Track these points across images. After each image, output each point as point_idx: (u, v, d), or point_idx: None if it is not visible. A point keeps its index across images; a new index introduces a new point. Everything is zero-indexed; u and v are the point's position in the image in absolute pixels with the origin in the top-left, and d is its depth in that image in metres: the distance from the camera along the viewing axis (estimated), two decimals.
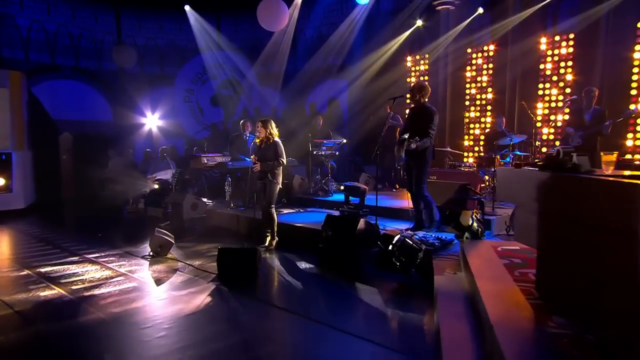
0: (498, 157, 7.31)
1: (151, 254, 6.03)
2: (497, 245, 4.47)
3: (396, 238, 4.85)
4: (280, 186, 6.24)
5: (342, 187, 7.36)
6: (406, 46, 10.59)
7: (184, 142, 13.45)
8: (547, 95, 8.12)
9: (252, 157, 6.20)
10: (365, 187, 7.33)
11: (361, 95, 11.16)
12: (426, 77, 10.23)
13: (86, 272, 5.32)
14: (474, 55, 9.26)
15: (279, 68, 12.78)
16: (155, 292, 4.63)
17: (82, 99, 13.26)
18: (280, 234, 6.36)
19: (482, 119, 9.22)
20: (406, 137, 6.08)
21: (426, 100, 5.89)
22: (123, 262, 5.76)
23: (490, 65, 9.04)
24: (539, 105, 8.22)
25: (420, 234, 5.54)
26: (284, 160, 6.16)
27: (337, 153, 9.04)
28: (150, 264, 5.68)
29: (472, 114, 9.36)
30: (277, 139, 6.22)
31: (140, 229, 8.06)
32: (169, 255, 6.00)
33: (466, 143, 9.49)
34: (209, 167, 8.92)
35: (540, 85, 8.20)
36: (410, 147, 5.56)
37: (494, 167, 7.24)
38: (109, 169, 10.45)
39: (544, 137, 8.21)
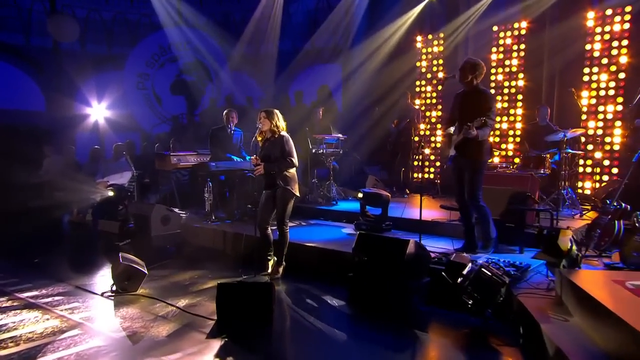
0: (548, 156, 6.55)
1: (114, 289, 4.81)
2: (617, 278, 3.59)
3: (468, 267, 3.90)
4: (298, 194, 5.19)
5: (359, 195, 6.38)
6: (416, 24, 9.72)
7: (139, 137, 12.08)
8: (595, 81, 7.45)
9: (252, 157, 5.12)
10: (388, 194, 6.40)
11: (360, 83, 10.25)
12: (440, 61, 9.46)
13: (21, 323, 4.04)
14: (502, 34, 8.51)
15: (256, 49, 11.69)
16: (133, 355, 3.44)
17: (5, 83, 11.63)
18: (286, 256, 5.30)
19: (512, 111, 8.49)
20: (452, 130, 5.26)
21: (479, 81, 5.02)
22: (75, 304, 4.50)
23: (522, 47, 8.30)
24: (584, 93, 7.53)
25: (481, 258, 4.64)
26: (295, 160, 5.14)
27: (340, 151, 8.08)
28: (117, 306, 4.46)
29: (499, 105, 8.62)
30: (284, 133, 5.20)
31: (91, 252, 6.79)
32: (140, 291, 4.80)
33: (490, 139, 8.71)
34: (180, 169, 7.76)
35: (586, 70, 7.51)
36: (469, 134, 4.66)
37: (544, 169, 6.47)
38: (44, 170, 8.99)
39: (590, 131, 7.53)
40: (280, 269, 5.27)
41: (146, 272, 4.91)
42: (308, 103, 11.11)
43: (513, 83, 8.45)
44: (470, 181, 5.00)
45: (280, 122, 5.21)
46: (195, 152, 7.80)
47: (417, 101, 9.63)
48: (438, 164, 9.54)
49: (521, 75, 8.35)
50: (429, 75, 9.60)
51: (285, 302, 4.58)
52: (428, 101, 9.65)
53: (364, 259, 4.65)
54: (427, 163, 9.73)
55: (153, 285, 5.03)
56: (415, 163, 9.71)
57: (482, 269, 3.85)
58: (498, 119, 8.68)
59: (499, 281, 3.82)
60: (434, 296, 4.36)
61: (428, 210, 7.11)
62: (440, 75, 9.35)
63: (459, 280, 3.89)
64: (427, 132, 9.66)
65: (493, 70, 8.63)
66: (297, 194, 5.25)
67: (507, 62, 8.48)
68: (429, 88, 9.63)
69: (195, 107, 13.17)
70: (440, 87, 9.37)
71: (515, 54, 8.38)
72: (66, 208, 8.46)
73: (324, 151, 7.87)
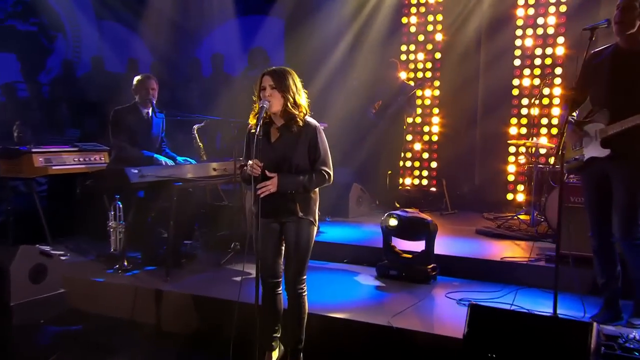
0: None
1: None
2: None
3: None
4: (317, 229, 3.71)
5: (390, 222, 4.88)
6: None
7: None
8: None
9: (251, 162, 3.28)
10: (433, 220, 5.00)
11: (316, 45, 8.73)
12: (439, 17, 8.39)
13: None
14: None
15: None
16: None
17: None
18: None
19: (546, 90, 7.57)
20: (575, 114, 4.13)
21: None
22: None
23: None
24: None
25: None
26: (331, 172, 3.55)
27: None
28: None
29: (527, 81, 7.79)
30: (310, 119, 3.54)
31: None
32: None
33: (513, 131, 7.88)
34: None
35: None
36: None
37: None
38: None
39: None
40: None
41: None
42: (233, 72, 9.35)
43: (548, 51, 7.69)
44: (628, 202, 3.77)
45: (302, 97, 3.47)
46: (77, 148, 5.80)
47: (403, 74, 8.40)
48: (434, 164, 8.42)
49: (560, 39, 7.60)
50: (420, 38, 8.48)
51: None
52: (419, 74, 8.52)
53: (491, 356, 3.15)
54: (417, 164, 8.59)
55: None
56: (401, 163, 8.51)
57: None
58: (525, 101, 7.85)
59: None
60: None
61: (449, 237, 6.03)
62: (439, 37, 8.22)
63: None
64: (418, 120, 8.52)
65: (519, 32, 7.86)
66: (317, 226, 3.69)
67: (539, 21, 7.73)
68: (420, 56, 8.49)
69: (37, 73, 10.74)
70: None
71: (552, 9, 7.64)
72: None
73: None
